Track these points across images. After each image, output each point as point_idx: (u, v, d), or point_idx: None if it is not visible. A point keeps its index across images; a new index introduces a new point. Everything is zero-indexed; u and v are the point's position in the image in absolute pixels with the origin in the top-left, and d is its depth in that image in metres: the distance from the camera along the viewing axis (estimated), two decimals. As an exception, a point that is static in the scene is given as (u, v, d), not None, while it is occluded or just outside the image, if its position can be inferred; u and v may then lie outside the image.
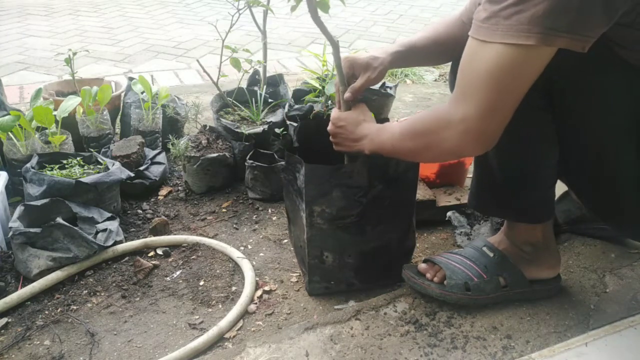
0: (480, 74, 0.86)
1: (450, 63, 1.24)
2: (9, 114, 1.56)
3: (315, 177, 1.12)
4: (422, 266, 1.21)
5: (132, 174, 1.57)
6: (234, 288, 1.28)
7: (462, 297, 1.16)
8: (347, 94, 1.16)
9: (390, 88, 2.06)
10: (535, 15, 0.77)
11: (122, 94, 1.97)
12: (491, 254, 1.19)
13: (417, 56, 1.27)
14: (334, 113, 1.17)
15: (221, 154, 1.67)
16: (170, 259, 1.38)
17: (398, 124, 1.06)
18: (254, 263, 1.36)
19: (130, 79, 1.98)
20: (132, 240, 1.42)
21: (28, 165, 1.44)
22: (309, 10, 1.03)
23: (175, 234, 1.48)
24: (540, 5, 0.77)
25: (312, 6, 1.03)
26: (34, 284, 1.23)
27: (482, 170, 1.18)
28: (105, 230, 1.36)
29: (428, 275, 1.19)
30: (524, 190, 1.12)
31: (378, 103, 1.97)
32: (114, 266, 1.35)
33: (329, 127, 1.17)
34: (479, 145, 0.93)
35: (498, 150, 1.07)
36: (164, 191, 1.70)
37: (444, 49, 1.25)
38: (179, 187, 1.73)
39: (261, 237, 1.49)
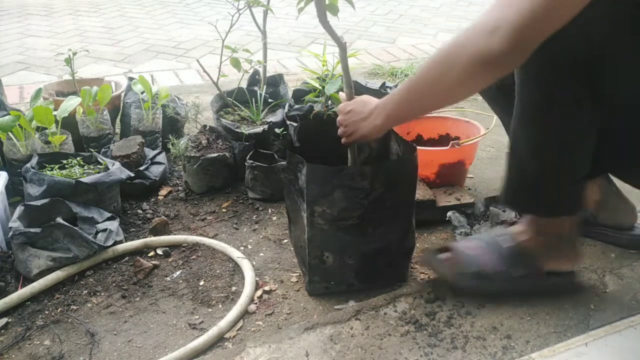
0: None
1: None
2: (9, 114, 1.56)
3: (317, 177, 1.12)
4: (441, 252, 1.24)
5: (132, 174, 1.57)
6: (234, 288, 1.28)
7: (474, 285, 1.18)
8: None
9: (390, 88, 2.06)
10: None
11: (122, 94, 1.97)
12: (509, 245, 1.20)
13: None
14: (340, 105, 1.17)
15: (221, 154, 1.67)
16: (170, 259, 1.38)
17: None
18: (254, 263, 1.36)
19: (130, 79, 1.98)
20: (132, 240, 1.42)
21: (28, 165, 1.44)
22: (318, 14, 1.03)
23: (175, 234, 1.48)
24: None
25: (321, 9, 1.03)
26: (34, 284, 1.23)
27: (513, 165, 1.16)
28: (105, 230, 1.36)
29: (445, 262, 1.22)
30: (555, 183, 1.11)
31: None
32: (114, 266, 1.35)
33: (338, 119, 1.17)
34: (511, 45, 0.82)
35: (530, 141, 1.07)
36: (164, 191, 1.70)
37: None
38: (179, 187, 1.73)
39: (261, 237, 1.49)
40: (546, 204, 1.17)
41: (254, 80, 2.03)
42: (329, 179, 1.12)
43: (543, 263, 1.18)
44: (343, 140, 1.18)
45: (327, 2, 1.04)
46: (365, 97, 1.15)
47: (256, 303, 1.23)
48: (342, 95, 1.20)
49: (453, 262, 1.21)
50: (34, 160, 1.47)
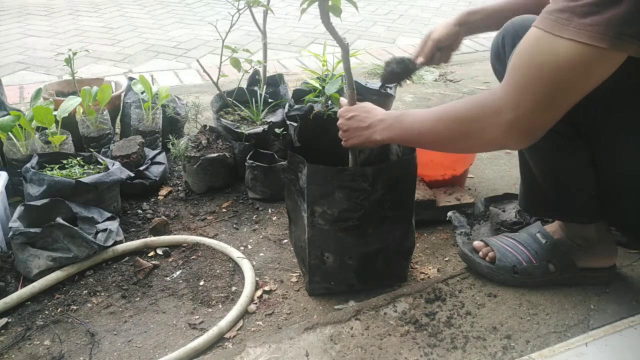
0: (544, 66, 0.83)
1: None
2: (9, 114, 1.56)
3: (318, 177, 1.12)
4: (476, 243, 1.30)
5: (132, 174, 1.57)
6: (234, 288, 1.28)
7: (508, 278, 1.24)
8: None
9: (390, 88, 2.06)
10: (613, 18, 0.75)
11: (122, 94, 1.96)
12: (543, 241, 1.24)
13: (492, 21, 1.34)
14: (342, 108, 1.17)
15: (221, 154, 1.67)
16: (170, 259, 1.38)
17: (427, 110, 1.04)
18: (254, 263, 1.36)
19: (130, 79, 1.98)
20: (132, 240, 1.42)
21: (28, 165, 1.44)
22: (321, 15, 1.03)
23: (175, 234, 1.48)
24: (619, 9, 0.75)
25: (324, 10, 1.02)
26: (34, 284, 1.23)
27: (527, 176, 1.21)
28: (105, 230, 1.36)
29: (480, 254, 1.27)
30: (566, 197, 1.15)
31: (378, 103, 1.96)
32: (114, 266, 1.35)
33: (339, 122, 1.17)
34: (523, 140, 0.91)
35: (537, 162, 1.11)
36: (164, 191, 1.70)
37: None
38: (179, 187, 1.73)
39: (261, 237, 1.49)
40: (560, 213, 1.21)
41: (254, 80, 2.03)
42: (330, 180, 1.12)
43: (577, 260, 1.22)
44: (342, 143, 1.18)
45: (329, 3, 1.03)
46: (368, 105, 1.15)
47: (256, 303, 1.23)
48: (342, 100, 1.21)
49: (489, 257, 1.26)
50: (34, 160, 1.47)
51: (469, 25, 1.34)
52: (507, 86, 0.89)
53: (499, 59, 1.23)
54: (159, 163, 1.73)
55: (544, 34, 0.82)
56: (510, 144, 0.94)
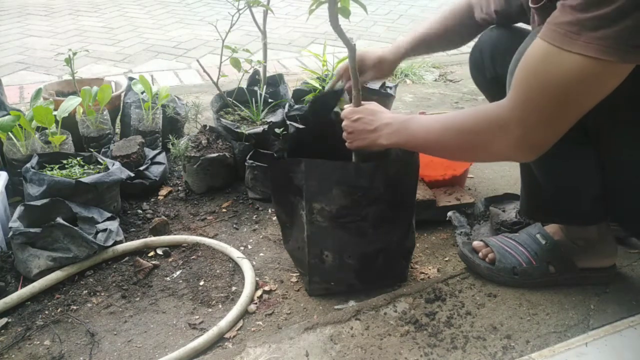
0: (549, 81, 0.82)
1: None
2: (9, 114, 1.56)
3: (316, 173, 1.11)
4: (476, 244, 1.29)
5: (132, 174, 1.57)
6: (234, 288, 1.28)
7: (508, 280, 1.24)
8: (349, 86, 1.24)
9: (390, 88, 2.06)
10: (623, 31, 0.74)
11: (122, 94, 1.96)
12: (543, 242, 1.24)
13: (427, 48, 1.40)
14: (347, 109, 1.16)
15: (221, 154, 1.67)
16: (170, 259, 1.38)
17: (434, 117, 1.04)
18: (254, 263, 1.36)
19: (130, 79, 1.98)
20: (132, 240, 1.42)
21: (28, 165, 1.44)
22: (330, 17, 1.02)
23: (175, 234, 1.48)
24: (629, 21, 0.73)
25: (333, 12, 1.02)
26: (34, 284, 1.23)
27: (528, 181, 1.21)
28: (105, 230, 1.36)
29: (480, 255, 1.27)
30: (569, 201, 1.14)
31: (378, 103, 1.97)
32: (114, 266, 1.35)
33: (344, 123, 1.16)
34: (530, 153, 0.91)
35: (541, 166, 1.10)
36: (164, 191, 1.70)
37: (453, 39, 1.36)
38: (179, 187, 1.73)
39: (261, 237, 1.49)
40: (563, 217, 1.21)
41: (254, 80, 2.03)
42: (328, 175, 1.12)
43: (577, 260, 1.21)
44: (347, 144, 1.18)
45: (339, 5, 1.03)
46: (375, 107, 1.14)
47: (256, 303, 1.23)
48: (346, 101, 1.21)
49: (488, 257, 1.26)
50: (34, 160, 1.47)
51: (408, 56, 1.41)
52: (513, 101, 0.88)
53: (479, 70, 1.24)
54: (159, 163, 1.73)
55: (552, 47, 0.80)
56: (517, 157, 0.95)
